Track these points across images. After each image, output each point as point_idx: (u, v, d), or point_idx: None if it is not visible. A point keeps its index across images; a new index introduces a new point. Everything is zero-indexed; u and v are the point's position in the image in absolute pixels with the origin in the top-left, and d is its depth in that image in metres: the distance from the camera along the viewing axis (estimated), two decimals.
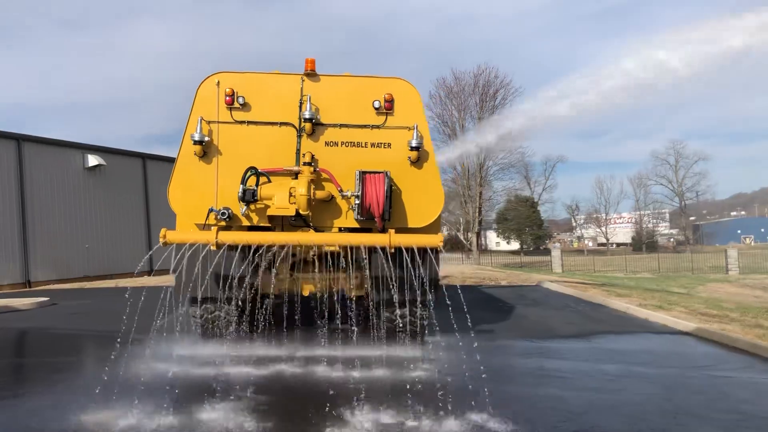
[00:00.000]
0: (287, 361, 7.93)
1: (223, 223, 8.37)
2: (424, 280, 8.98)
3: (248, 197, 8.09)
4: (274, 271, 9.14)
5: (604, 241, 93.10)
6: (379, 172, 8.23)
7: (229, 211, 8.27)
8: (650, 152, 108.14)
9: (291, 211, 8.05)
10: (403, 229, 8.68)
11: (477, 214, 49.96)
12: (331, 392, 6.39)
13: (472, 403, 6.05)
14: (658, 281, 30.95)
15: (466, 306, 13.65)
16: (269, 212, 8.15)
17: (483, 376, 6.89)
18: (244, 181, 8.10)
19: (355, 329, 9.14)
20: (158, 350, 8.12)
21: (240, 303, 9.13)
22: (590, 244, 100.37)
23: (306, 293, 9.57)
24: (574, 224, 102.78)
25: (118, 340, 7.69)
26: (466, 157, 47.58)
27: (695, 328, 10.68)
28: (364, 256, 8.54)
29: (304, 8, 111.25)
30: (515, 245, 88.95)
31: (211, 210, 8.28)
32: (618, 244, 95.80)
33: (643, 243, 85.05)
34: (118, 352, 7.44)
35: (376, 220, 8.27)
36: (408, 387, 6.48)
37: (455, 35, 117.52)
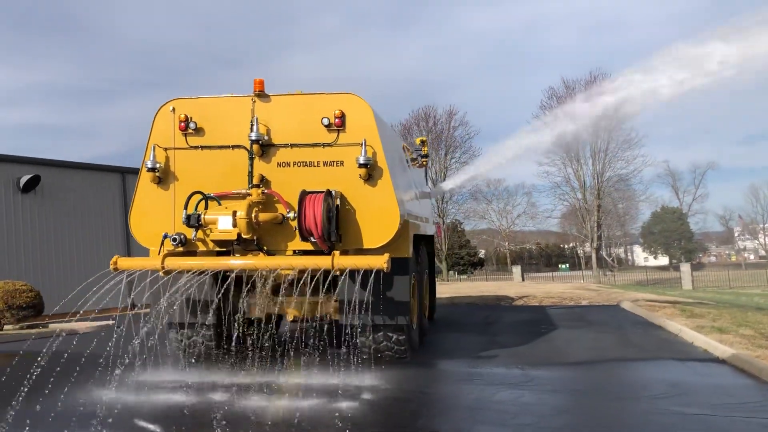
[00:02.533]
0: (225, 390, 7.68)
1: (180, 249, 8.43)
2: (389, 304, 8.62)
3: (192, 222, 8.08)
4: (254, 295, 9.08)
5: (764, 253, 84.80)
6: (321, 192, 7.95)
7: (182, 236, 8.30)
8: None
9: (233, 235, 7.96)
10: (359, 251, 8.34)
11: (595, 228, 47.31)
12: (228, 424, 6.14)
13: None
14: None
15: (501, 329, 12.91)
16: (212, 237, 8.11)
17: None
18: (186, 206, 8.11)
19: (330, 355, 8.84)
20: (109, 377, 8.02)
21: (218, 328, 9.17)
22: (751, 257, 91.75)
23: (291, 318, 9.42)
24: (737, 235, 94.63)
25: (101, 364, 7.68)
26: (576, 168, 45.60)
27: (731, 355, 9.31)
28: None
29: (444, 27, 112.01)
30: (664, 260, 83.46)
31: (165, 236, 8.36)
32: None
33: None
34: (65, 379, 7.50)
35: (317, 241, 7.97)
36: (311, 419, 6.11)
37: (600, 41, 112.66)
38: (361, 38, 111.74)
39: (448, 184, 15.38)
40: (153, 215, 8.58)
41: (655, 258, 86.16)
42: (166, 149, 8.61)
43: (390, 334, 8.95)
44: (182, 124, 8.55)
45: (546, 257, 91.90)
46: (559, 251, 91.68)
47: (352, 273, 8.06)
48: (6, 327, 15.56)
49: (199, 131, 8.59)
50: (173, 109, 8.63)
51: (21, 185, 21.18)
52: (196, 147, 8.59)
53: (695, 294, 27.51)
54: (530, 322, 13.81)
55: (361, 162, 8.11)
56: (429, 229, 12.29)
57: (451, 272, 61.23)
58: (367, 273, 7.94)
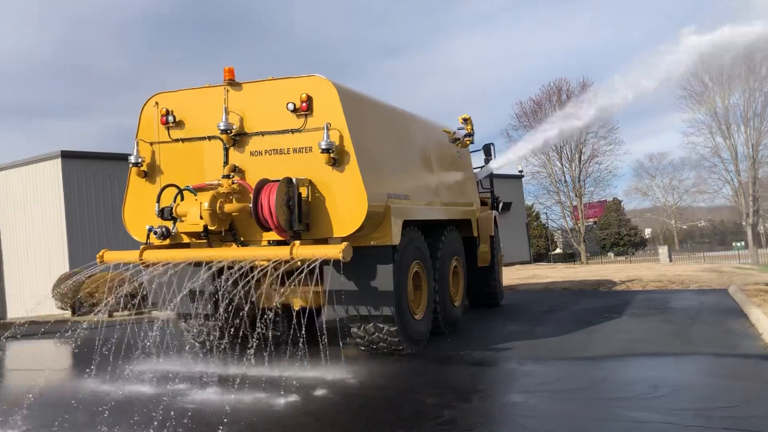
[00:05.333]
0: (190, 381, 7.67)
1: (167, 242, 8.54)
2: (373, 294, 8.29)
3: (165, 215, 8.15)
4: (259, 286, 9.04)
5: None
6: (278, 181, 7.68)
7: (163, 229, 8.38)
8: None
9: (199, 227, 7.93)
10: (328, 240, 8.02)
11: (751, 202, 42.26)
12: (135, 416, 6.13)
13: None
14: None
15: (555, 318, 11.93)
16: (181, 229, 8.11)
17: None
18: (159, 200, 8.19)
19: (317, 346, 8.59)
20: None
21: (224, 319, 9.22)
22: None
23: (297, 307, 9.26)
24: None
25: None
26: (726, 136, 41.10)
27: None
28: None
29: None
30: None
31: (149, 229, 8.50)
32: None
33: None
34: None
35: (275, 231, 7.72)
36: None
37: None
38: (523, 16, 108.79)
39: (499, 161, 14.16)
40: (143, 209, 8.75)
41: None
42: (151, 143, 8.77)
43: (380, 325, 8.54)
44: (163, 118, 8.64)
45: (720, 235, 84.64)
46: (736, 228, 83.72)
47: (336, 263, 7.80)
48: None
49: (179, 124, 8.64)
50: (156, 103, 8.75)
51: None
52: (177, 140, 8.66)
53: None
54: (596, 310, 12.62)
55: (323, 147, 7.72)
56: (467, 213, 11.56)
57: (609, 253, 58.68)
58: (339, 263, 7.60)
